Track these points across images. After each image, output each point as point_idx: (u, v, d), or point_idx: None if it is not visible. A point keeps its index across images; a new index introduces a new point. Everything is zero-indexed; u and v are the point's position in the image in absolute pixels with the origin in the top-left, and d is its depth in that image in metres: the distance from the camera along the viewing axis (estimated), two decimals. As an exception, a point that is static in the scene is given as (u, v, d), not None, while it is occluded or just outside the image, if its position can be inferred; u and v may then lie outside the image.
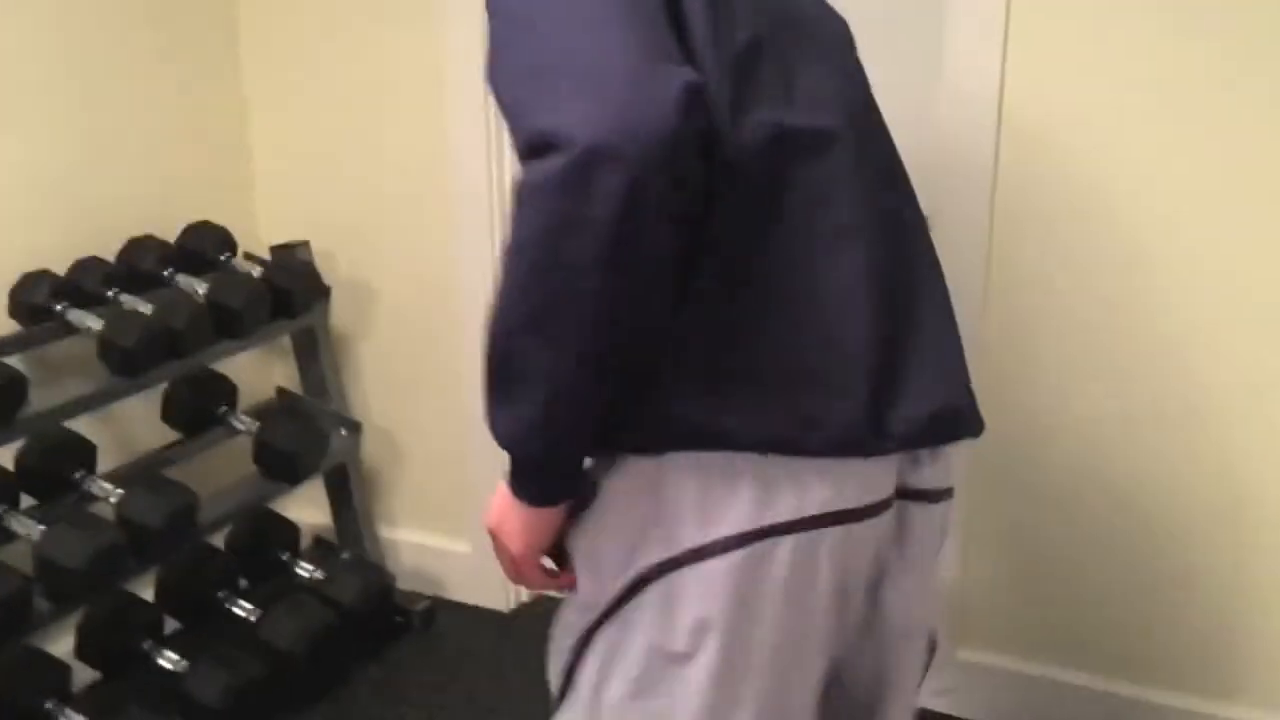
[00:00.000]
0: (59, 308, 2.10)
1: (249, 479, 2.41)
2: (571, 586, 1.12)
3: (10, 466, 2.05)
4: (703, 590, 1.01)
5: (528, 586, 1.16)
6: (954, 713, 2.24)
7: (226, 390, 2.38)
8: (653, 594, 1.04)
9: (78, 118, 2.27)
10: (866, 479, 1.03)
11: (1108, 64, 1.87)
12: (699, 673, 1.02)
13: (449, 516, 2.68)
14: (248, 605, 2.29)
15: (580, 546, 1.09)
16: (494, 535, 1.12)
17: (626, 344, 0.95)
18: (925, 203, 1.25)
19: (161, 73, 2.43)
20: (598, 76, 0.87)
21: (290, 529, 2.48)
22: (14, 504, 2.00)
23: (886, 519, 1.08)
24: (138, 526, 1.98)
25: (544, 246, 0.89)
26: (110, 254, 2.29)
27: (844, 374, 1.00)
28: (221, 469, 2.43)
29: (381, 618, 2.49)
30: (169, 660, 2.13)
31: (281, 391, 2.57)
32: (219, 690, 2.08)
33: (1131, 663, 2.09)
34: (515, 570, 1.13)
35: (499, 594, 2.63)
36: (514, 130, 0.91)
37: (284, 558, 2.45)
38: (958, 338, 1.16)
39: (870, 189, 1.07)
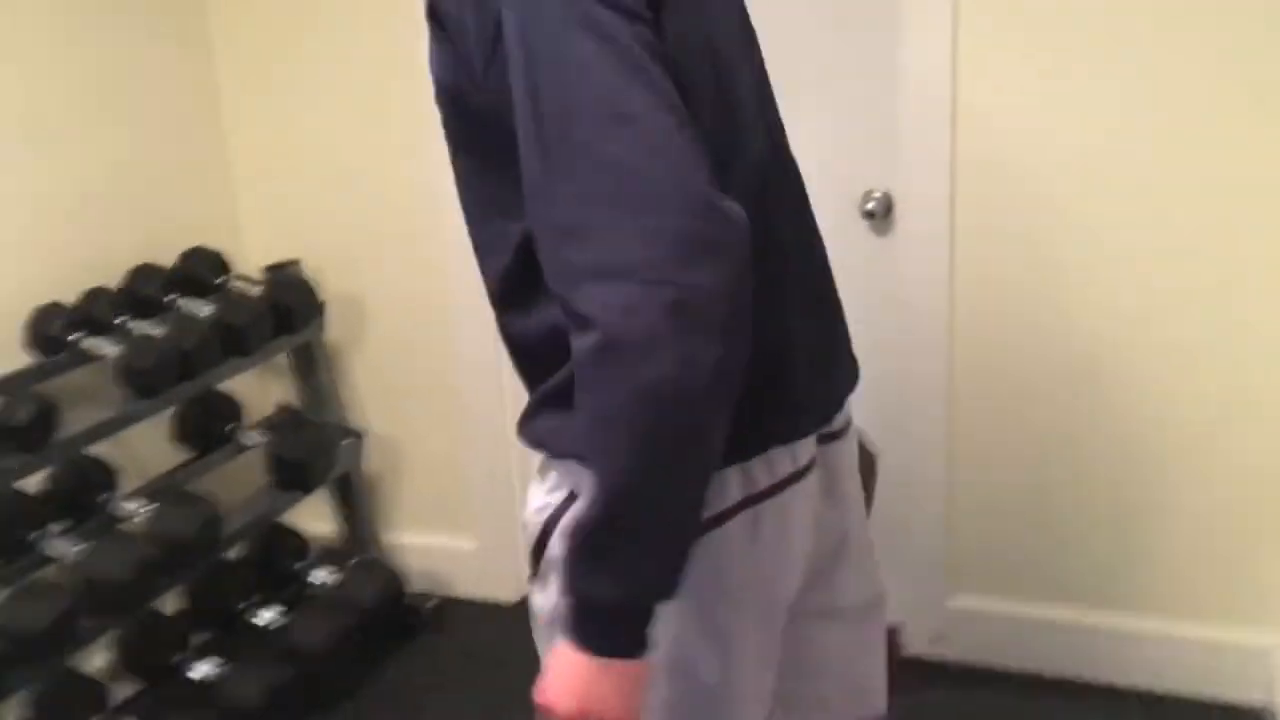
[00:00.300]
0: (73, 337, 2.17)
1: (259, 493, 2.49)
2: None
3: (32, 493, 2.11)
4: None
5: None
6: (949, 658, 2.40)
7: (233, 408, 2.46)
8: None
9: (69, 156, 2.34)
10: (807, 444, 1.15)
11: (1054, 53, 2.05)
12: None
13: (450, 516, 2.78)
14: (269, 614, 2.37)
15: None
16: (585, 714, 0.96)
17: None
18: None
19: (143, 105, 2.51)
20: (669, 207, 0.84)
21: (299, 539, 2.57)
22: (43, 528, 2.06)
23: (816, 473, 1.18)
24: (170, 541, 2.06)
25: (653, 409, 0.85)
26: (112, 282, 2.36)
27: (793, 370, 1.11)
28: (229, 485, 2.51)
29: (395, 618, 2.58)
30: (201, 670, 2.21)
31: (283, 407, 2.65)
32: (255, 694, 2.16)
33: (1113, 594, 2.27)
34: None
35: (504, 586, 2.73)
36: (565, 255, 0.88)
37: (297, 567, 2.53)
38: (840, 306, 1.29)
39: (788, 200, 1.17)
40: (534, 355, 1.08)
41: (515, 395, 1.85)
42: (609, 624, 0.94)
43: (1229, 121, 1.98)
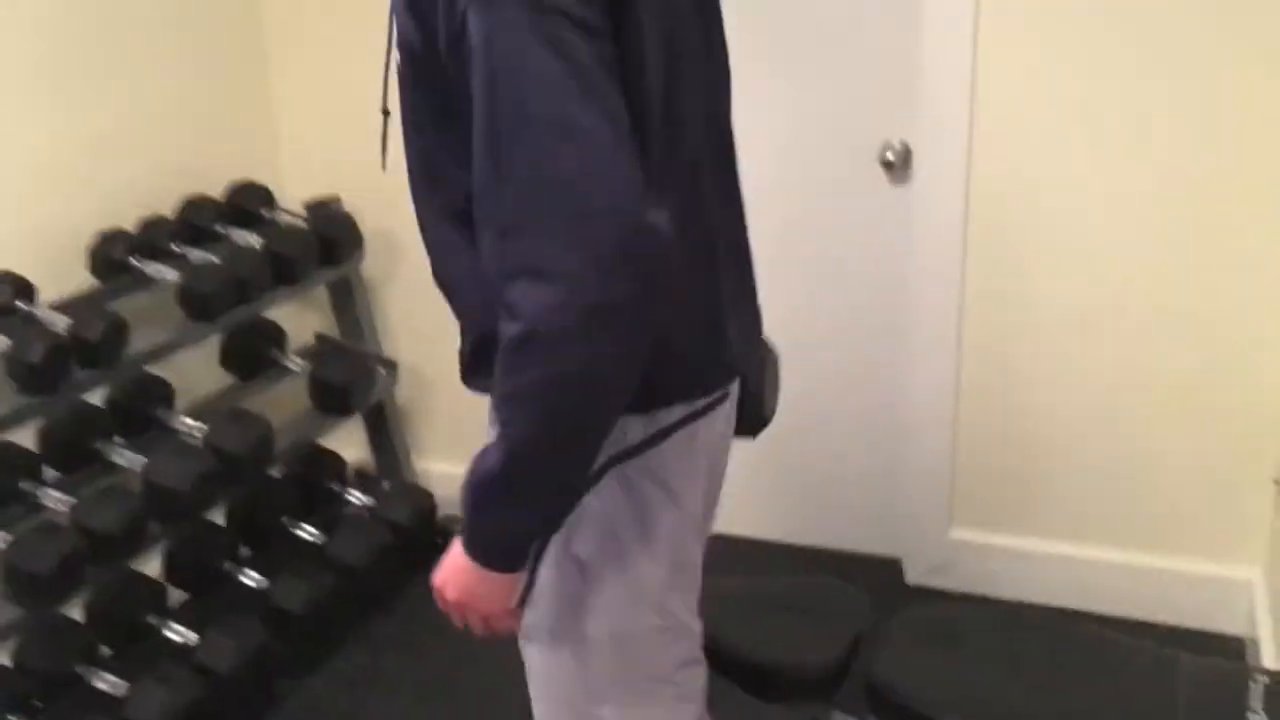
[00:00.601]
0: (133, 262, 2.29)
1: (300, 416, 2.62)
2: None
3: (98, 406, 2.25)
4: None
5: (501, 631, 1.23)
6: (949, 587, 2.56)
7: (278, 334, 2.59)
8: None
9: (124, 92, 2.45)
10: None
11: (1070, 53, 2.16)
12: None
13: (476, 444, 2.91)
14: (311, 529, 2.51)
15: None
16: (462, 604, 1.17)
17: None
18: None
19: (194, 45, 2.62)
20: (597, 217, 0.95)
21: (338, 461, 2.71)
22: (110, 439, 2.20)
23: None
24: (227, 455, 2.19)
25: (560, 393, 0.99)
26: (165, 211, 2.48)
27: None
28: (271, 408, 2.64)
29: (426, 537, 2.73)
30: (250, 578, 2.35)
31: (321, 336, 2.78)
32: (300, 601, 2.31)
33: (1104, 530, 2.43)
34: (492, 625, 1.21)
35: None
36: (503, 250, 0.99)
37: (334, 488, 2.67)
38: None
39: (719, 184, 1.30)
40: (467, 301, 1.24)
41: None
42: (492, 545, 1.13)
43: (1242, 81, 2.11)
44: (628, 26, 1.04)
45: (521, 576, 1.18)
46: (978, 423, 2.47)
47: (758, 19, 2.41)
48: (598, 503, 1.19)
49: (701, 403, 1.24)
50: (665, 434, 1.21)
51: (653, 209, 0.99)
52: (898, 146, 2.39)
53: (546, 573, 1.22)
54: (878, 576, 2.61)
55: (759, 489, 2.79)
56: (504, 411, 1.04)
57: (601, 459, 1.16)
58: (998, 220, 2.33)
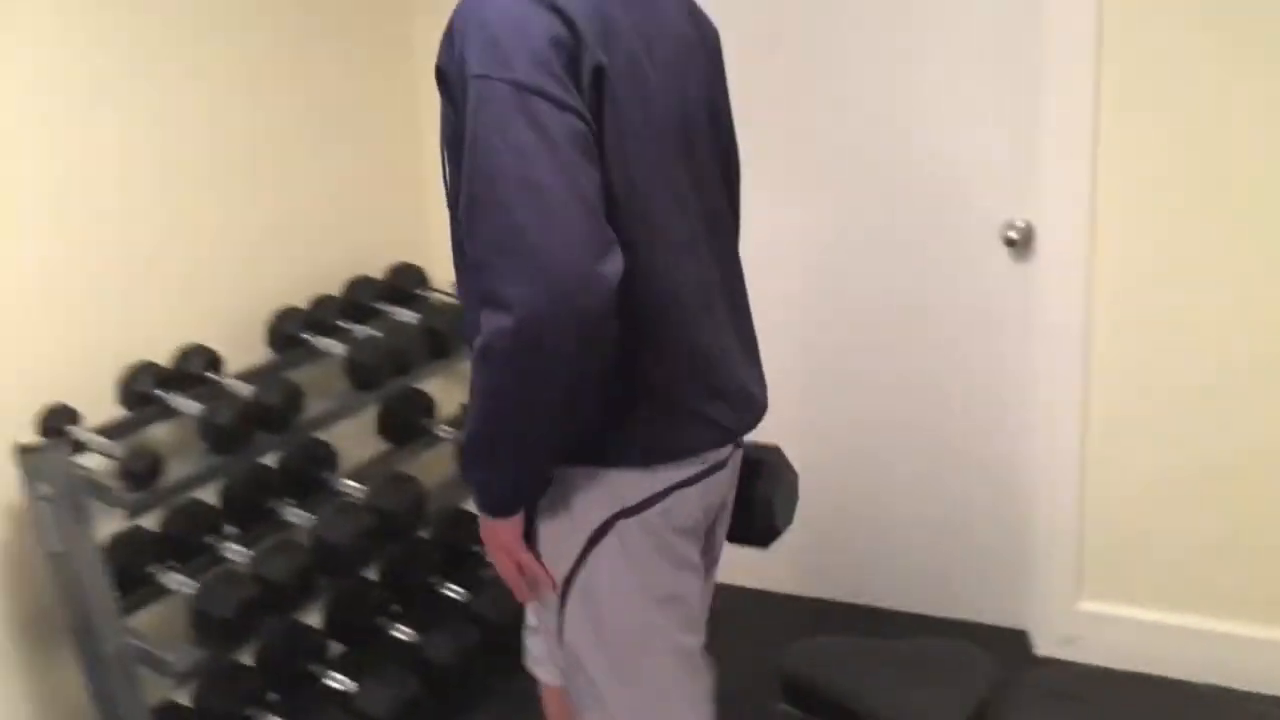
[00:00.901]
0: (306, 336, 2.52)
1: (446, 480, 2.80)
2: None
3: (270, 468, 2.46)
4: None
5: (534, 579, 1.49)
6: (1079, 659, 2.56)
7: (429, 404, 2.78)
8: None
9: (296, 180, 2.71)
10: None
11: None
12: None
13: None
14: (455, 587, 2.67)
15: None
16: (491, 551, 1.49)
17: (573, 420, 1.34)
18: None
19: (355, 133, 2.87)
20: (547, 268, 1.18)
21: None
22: (281, 499, 2.40)
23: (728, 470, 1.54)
24: (386, 514, 2.37)
25: (506, 384, 1.26)
26: (330, 289, 2.71)
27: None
28: (421, 472, 2.82)
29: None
30: (402, 632, 2.51)
31: (465, 405, 2.97)
32: (448, 654, 2.46)
33: (1247, 603, 2.41)
34: (524, 571, 1.48)
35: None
36: (477, 281, 1.24)
37: (477, 550, 2.83)
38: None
39: (703, 224, 1.45)
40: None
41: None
42: (483, 497, 1.43)
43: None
44: (606, 98, 1.28)
45: (518, 521, 1.43)
46: (1105, 495, 2.50)
47: (892, 95, 2.55)
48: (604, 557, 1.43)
49: (698, 467, 1.45)
50: (662, 495, 1.42)
51: (607, 261, 1.21)
52: (1020, 225, 2.48)
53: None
54: (1006, 647, 2.63)
55: (889, 561, 2.85)
56: (470, 399, 1.31)
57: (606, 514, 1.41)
58: (1123, 294, 2.38)
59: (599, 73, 1.27)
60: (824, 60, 2.62)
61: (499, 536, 1.45)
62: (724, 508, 1.59)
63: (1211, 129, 2.23)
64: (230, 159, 2.55)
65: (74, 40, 2.21)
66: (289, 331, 2.52)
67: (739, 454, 1.59)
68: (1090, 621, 2.56)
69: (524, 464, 1.37)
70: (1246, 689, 2.38)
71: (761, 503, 1.62)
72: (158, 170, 2.39)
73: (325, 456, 2.50)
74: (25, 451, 2.01)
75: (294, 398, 2.31)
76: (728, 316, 1.50)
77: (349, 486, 2.47)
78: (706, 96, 1.47)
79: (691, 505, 1.46)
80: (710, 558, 1.61)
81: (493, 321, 1.21)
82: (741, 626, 2.89)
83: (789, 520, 1.70)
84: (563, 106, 1.22)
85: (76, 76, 2.21)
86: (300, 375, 2.56)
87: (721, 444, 1.47)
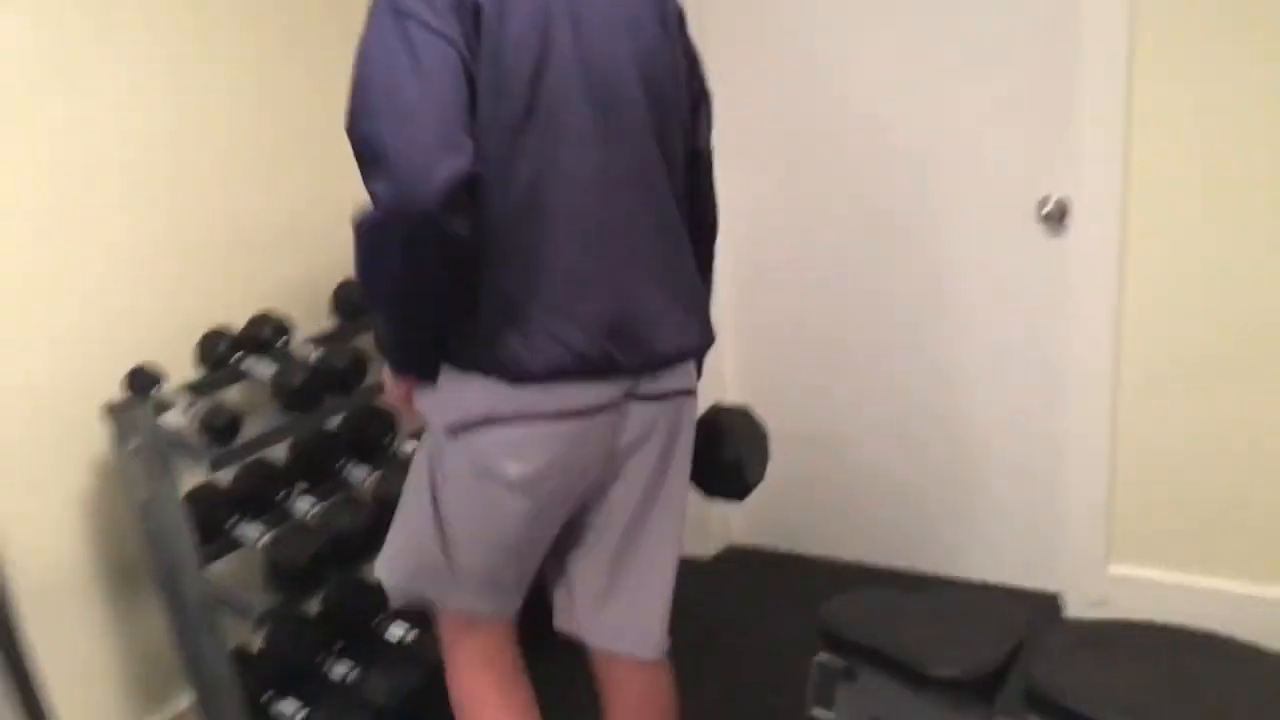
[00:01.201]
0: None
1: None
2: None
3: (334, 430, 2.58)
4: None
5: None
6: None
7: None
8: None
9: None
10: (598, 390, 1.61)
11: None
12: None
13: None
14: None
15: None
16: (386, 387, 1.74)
17: (430, 307, 1.52)
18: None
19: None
20: (394, 166, 1.37)
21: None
22: (343, 460, 2.53)
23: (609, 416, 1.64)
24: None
25: (368, 262, 1.48)
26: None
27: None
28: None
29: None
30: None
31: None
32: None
33: (1277, 566, 2.48)
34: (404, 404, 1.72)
35: (699, 544, 3.09)
36: (361, 173, 1.44)
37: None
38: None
39: (613, 176, 1.58)
40: None
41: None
42: (386, 353, 1.66)
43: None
44: (482, 41, 1.46)
45: (409, 382, 1.65)
46: (1137, 460, 2.58)
47: (927, 73, 2.63)
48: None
49: (572, 403, 1.58)
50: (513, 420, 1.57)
51: (446, 162, 1.38)
52: (1055, 200, 2.56)
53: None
54: (1038, 610, 2.72)
55: (925, 527, 2.94)
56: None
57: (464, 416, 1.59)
58: (1154, 266, 2.46)
59: (476, 12, 1.46)
60: (859, 40, 2.70)
61: (395, 388, 1.70)
62: (626, 457, 1.69)
63: (1246, 100, 2.28)
64: (309, 136, 2.68)
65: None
66: (353, 300, 2.64)
67: (660, 409, 1.69)
68: (1121, 584, 2.64)
69: (396, 332, 1.58)
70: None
71: (729, 462, 1.81)
72: (251, 147, 2.54)
73: (387, 418, 2.63)
74: (115, 409, 2.15)
75: (359, 363, 2.43)
76: (651, 259, 1.62)
77: (408, 451, 2.59)
78: (642, 60, 1.60)
79: (548, 449, 1.59)
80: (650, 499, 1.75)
81: (368, 213, 1.43)
82: (783, 586, 2.99)
83: (760, 476, 1.86)
84: (432, 30, 1.42)
85: (186, 34, 2.35)
86: (363, 342, 2.69)
87: (583, 373, 1.57)
